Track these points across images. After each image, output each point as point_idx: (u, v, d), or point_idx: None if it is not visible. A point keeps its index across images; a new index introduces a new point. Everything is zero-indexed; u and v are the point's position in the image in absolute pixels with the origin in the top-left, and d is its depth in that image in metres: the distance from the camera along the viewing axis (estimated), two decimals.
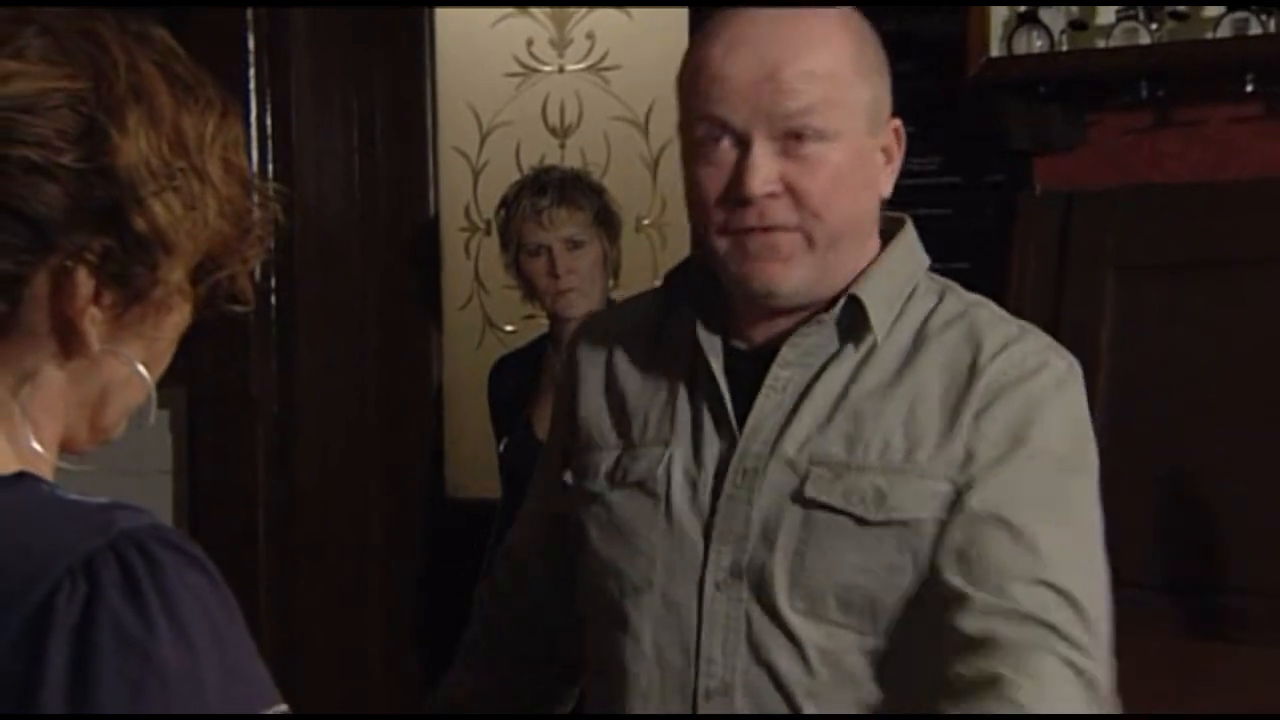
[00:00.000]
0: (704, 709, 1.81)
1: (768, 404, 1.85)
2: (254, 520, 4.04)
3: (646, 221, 4.30)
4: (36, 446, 1.17)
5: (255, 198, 1.23)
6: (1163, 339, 3.11)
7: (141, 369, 1.19)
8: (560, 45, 4.39)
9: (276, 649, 3.69)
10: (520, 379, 3.76)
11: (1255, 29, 3.09)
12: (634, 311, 2.05)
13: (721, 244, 1.82)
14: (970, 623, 1.70)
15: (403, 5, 4.30)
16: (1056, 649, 1.70)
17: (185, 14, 3.79)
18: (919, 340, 1.86)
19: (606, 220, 3.69)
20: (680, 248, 4.10)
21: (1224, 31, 3.11)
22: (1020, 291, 3.19)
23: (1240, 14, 3.09)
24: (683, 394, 1.91)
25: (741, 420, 1.85)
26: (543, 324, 3.83)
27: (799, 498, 1.81)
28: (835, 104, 1.80)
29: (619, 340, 2.00)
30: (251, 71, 4.01)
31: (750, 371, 1.88)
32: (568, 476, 1.97)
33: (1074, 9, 3.27)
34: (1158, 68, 3.19)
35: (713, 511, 1.83)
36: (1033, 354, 1.84)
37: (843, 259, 1.86)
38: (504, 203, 3.74)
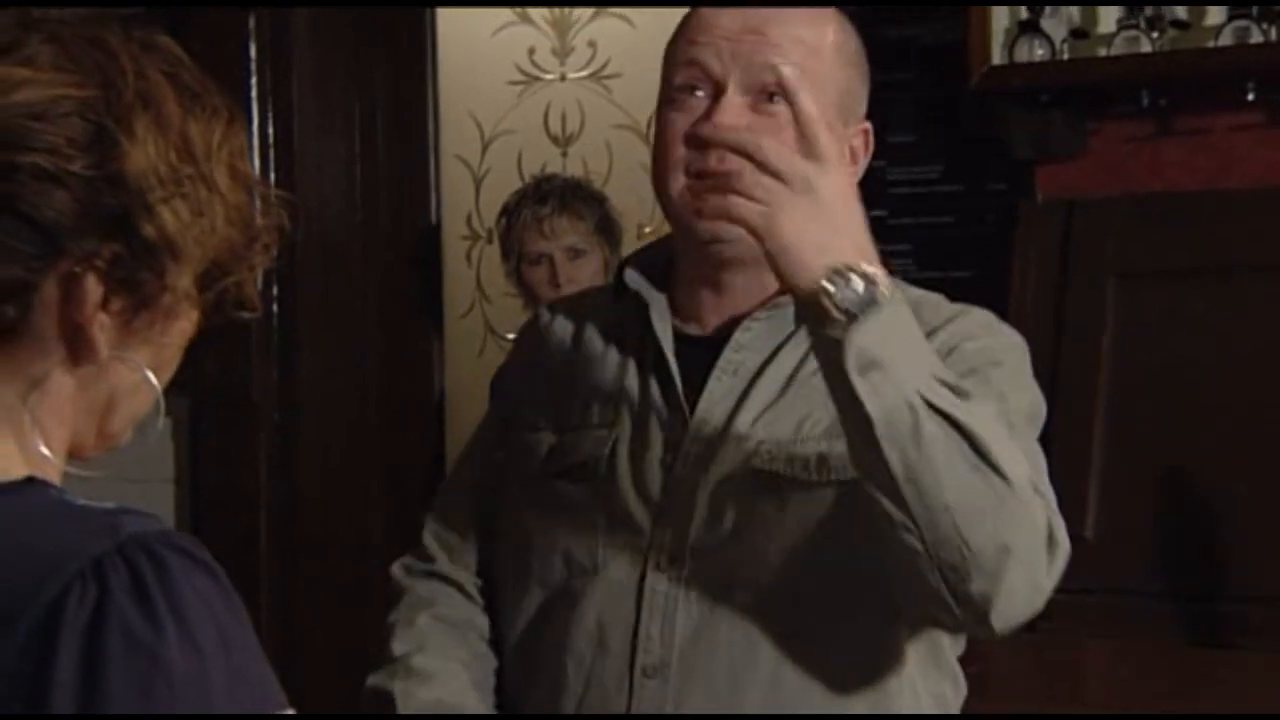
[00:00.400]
0: (640, 687, 1.80)
1: (719, 387, 1.86)
2: (256, 526, 4.04)
3: (648, 230, 4.30)
4: (45, 451, 1.17)
5: (261, 205, 1.24)
6: (1164, 346, 3.11)
7: (150, 375, 1.20)
8: (562, 53, 4.40)
9: (278, 655, 3.69)
10: None
11: (1256, 37, 3.09)
12: (585, 301, 2.05)
13: (677, 185, 1.83)
14: None
15: (403, 4, 4.29)
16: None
17: (188, 20, 3.81)
18: None
19: (608, 229, 3.69)
20: None
21: (1225, 40, 3.12)
22: (1022, 299, 3.19)
23: (1241, 23, 3.10)
24: (630, 378, 1.91)
25: (692, 404, 1.86)
26: None
27: (745, 471, 1.81)
28: (811, 73, 1.81)
29: (568, 327, 2.00)
30: (254, 79, 4.01)
31: (700, 356, 1.88)
32: (503, 460, 1.96)
33: (1075, 17, 3.27)
34: (1159, 76, 3.20)
35: (662, 493, 1.84)
36: (985, 321, 1.86)
37: None
38: (505, 211, 3.74)
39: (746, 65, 1.82)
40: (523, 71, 4.42)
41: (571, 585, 1.86)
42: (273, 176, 4.01)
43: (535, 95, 4.42)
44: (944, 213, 3.52)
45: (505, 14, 4.43)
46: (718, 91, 1.82)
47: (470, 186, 4.45)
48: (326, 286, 4.18)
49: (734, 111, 1.81)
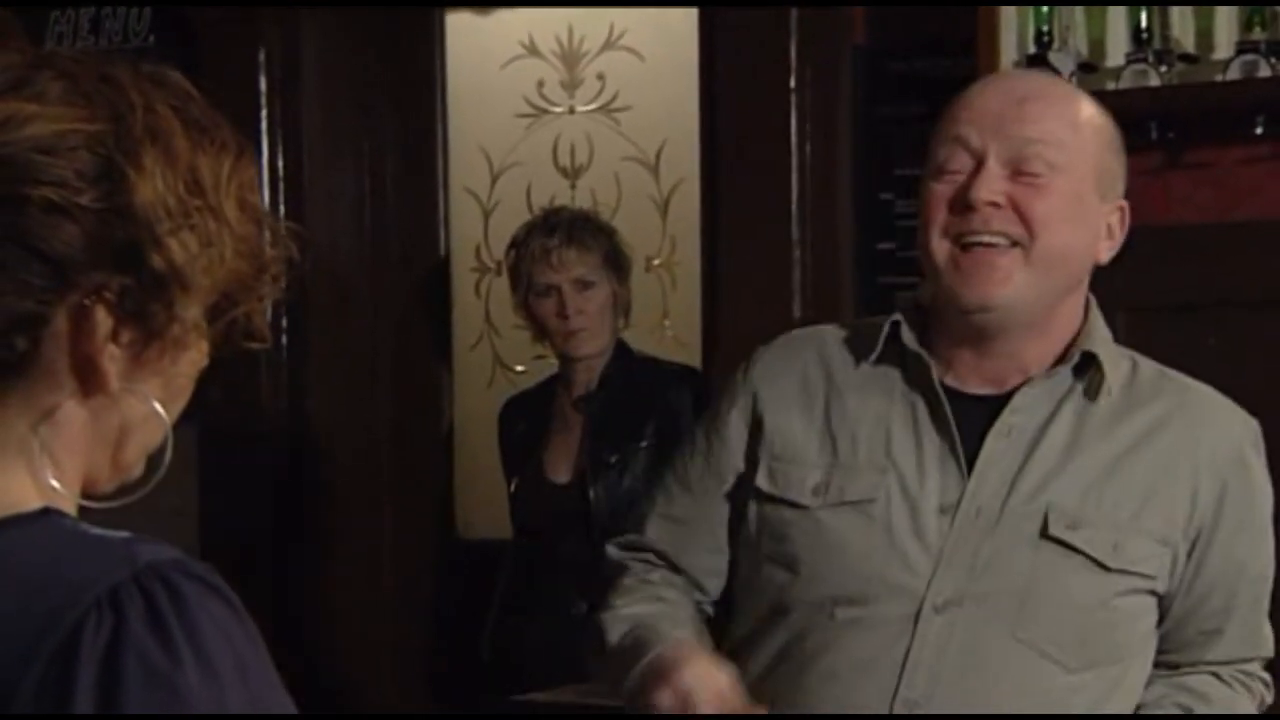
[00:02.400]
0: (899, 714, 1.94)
1: (997, 447, 1.99)
2: (264, 557, 4.04)
3: (657, 262, 4.31)
4: (55, 484, 1.17)
5: (270, 237, 1.24)
6: None
7: (158, 407, 1.20)
8: (571, 86, 4.41)
9: (286, 684, 3.68)
10: (531, 420, 3.76)
11: (1265, 71, 3.10)
12: (840, 336, 2.12)
13: (941, 250, 1.97)
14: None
15: (413, 4, 4.28)
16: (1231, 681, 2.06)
17: (199, 55, 3.82)
18: (1132, 402, 2.03)
19: (616, 261, 3.68)
20: (690, 288, 4.10)
21: (1234, 74, 3.12)
22: None
23: (1250, 56, 3.10)
24: (901, 423, 2.02)
25: (969, 459, 1.98)
26: (553, 364, 3.83)
27: (1044, 535, 1.96)
28: (1067, 146, 1.96)
29: (823, 359, 2.09)
30: (264, 113, 4.03)
31: (967, 412, 2.00)
32: (763, 483, 2.05)
33: (1083, 50, 3.28)
34: (1168, 110, 3.20)
35: (943, 540, 1.96)
36: (1245, 434, 2.09)
37: (1055, 295, 1.99)
38: (514, 243, 3.74)
39: (1005, 139, 1.95)
40: (531, 104, 4.43)
41: (836, 614, 1.98)
42: (282, 210, 4.02)
43: (544, 128, 4.43)
44: None
45: (514, 47, 4.44)
46: (978, 163, 1.95)
47: (479, 219, 4.46)
48: (335, 318, 4.18)
49: (995, 178, 1.94)
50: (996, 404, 2.01)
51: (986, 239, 1.95)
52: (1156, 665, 2.05)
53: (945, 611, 1.95)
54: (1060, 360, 2.01)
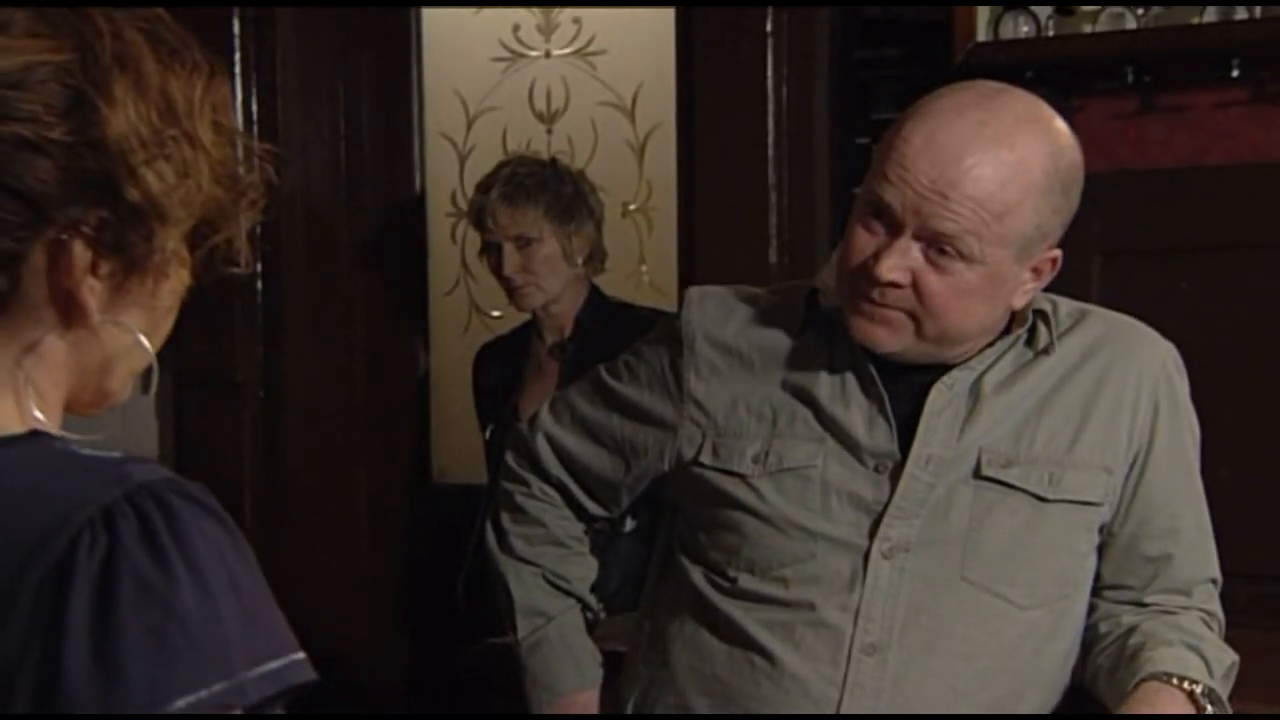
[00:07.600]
0: (859, 663, 1.98)
1: (941, 398, 2.03)
2: (240, 506, 4.04)
3: (633, 206, 4.30)
4: (39, 415, 1.18)
5: (245, 158, 1.24)
6: (1148, 324, 3.11)
7: (141, 338, 1.20)
8: (547, 30, 4.39)
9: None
10: (505, 366, 3.75)
11: (1241, 14, 3.09)
12: (765, 306, 2.16)
13: (844, 291, 2.00)
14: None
15: (386, 4, 4.28)
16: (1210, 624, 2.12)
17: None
18: (1057, 338, 2.06)
19: (564, 212, 3.59)
20: (666, 233, 4.10)
21: (1210, 17, 3.12)
22: None
23: None
24: (832, 390, 2.06)
25: (914, 413, 2.03)
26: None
27: (981, 476, 2.01)
28: (987, 237, 1.91)
29: (751, 330, 2.13)
30: (238, 57, 4.00)
31: (909, 370, 2.04)
32: (706, 458, 2.10)
33: None
34: (1143, 53, 3.20)
35: (891, 492, 2.01)
36: (1169, 357, 2.12)
37: (955, 346, 2.02)
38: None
39: (923, 221, 1.90)
40: (507, 48, 4.41)
41: (784, 572, 2.04)
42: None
43: (520, 72, 4.41)
44: None
45: None
46: (897, 229, 1.92)
47: (455, 164, 4.44)
48: (311, 264, 4.17)
49: (902, 258, 1.92)
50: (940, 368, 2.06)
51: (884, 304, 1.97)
52: (1117, 600, 2.10)
53: (893, 557, 2.00)
54: (1012, 323, 2.06)
